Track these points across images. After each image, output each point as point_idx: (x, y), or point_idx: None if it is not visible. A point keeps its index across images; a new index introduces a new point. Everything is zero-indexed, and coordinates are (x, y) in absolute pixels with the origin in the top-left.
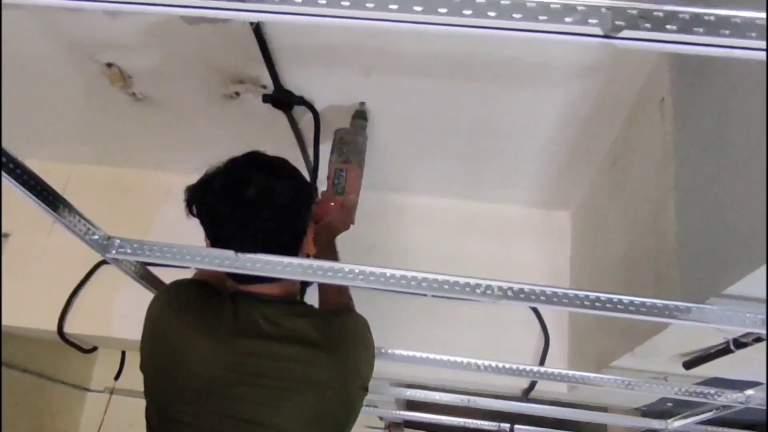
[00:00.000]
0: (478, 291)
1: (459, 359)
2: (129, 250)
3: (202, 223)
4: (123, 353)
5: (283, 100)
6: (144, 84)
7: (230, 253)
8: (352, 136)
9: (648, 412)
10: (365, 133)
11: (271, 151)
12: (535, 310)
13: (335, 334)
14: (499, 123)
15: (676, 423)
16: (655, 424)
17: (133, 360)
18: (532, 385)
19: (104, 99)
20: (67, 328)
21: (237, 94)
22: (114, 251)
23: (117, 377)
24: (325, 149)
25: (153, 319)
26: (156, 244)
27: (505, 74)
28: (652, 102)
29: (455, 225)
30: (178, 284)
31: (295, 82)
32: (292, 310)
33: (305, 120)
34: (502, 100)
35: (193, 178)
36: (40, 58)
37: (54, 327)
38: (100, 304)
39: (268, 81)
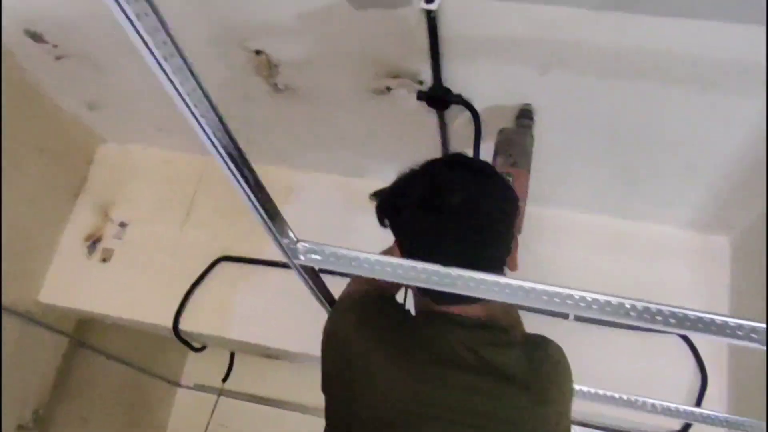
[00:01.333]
0: (621, 312)
1: (604, 392)
2: (320, 257)
3: (397, 233)
4: (232, 354)
5: (440, 98)
6: (289, 74)
7: (438, 267)
8: (521, 137)
9: None
10: (533, 133)
11: (413, 155)
12: (690, 344)
13: (541, 370)
14: (677, 133)
15: None
16: None
17: (242, 360)
18: (686, 427)
19: (242, 88)
20: (182, 326)
21: (388, 89)
22: (302, 257)
23: (225, 379)
24: (486, 151)
25: (341, 339)
26: (352, 253)
27: (702, 76)
28: None
29: (600, 243)
30: (370, 301)
31: (455, 78)
32: (493, 337)
33: (457, 122)
34: (689, 105)
35: (317, 177)
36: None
37: (169, 323)
38: (217, 302)
39: (426, 76)
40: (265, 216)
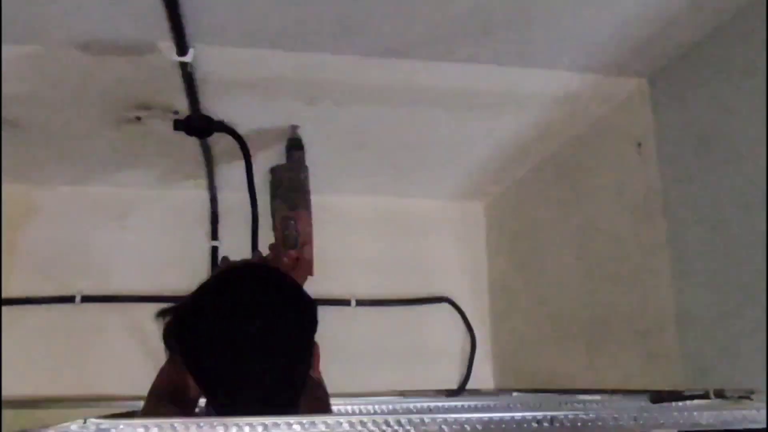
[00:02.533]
0: None
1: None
2: None
3: (186, 357)
4: None
5: (199, 127)
6: (15, 111)
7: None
8: (295, 175)
9: None
10: (305, 166)
11: (176, 169)
12: (458, 308)
13: None
14: (441, 136)
15: None
16: None
17: None
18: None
19: None
20: None
21: (138, 118)
22: None
23: None
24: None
25: None
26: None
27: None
28: (619, 130)
29: (376, 220)
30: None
31: (216, 107)
32: None
33: (221, 146)
34: (448, 121)
35: (63, 191)
36: None
37: None
38: None
39: (182, 106)
40: None
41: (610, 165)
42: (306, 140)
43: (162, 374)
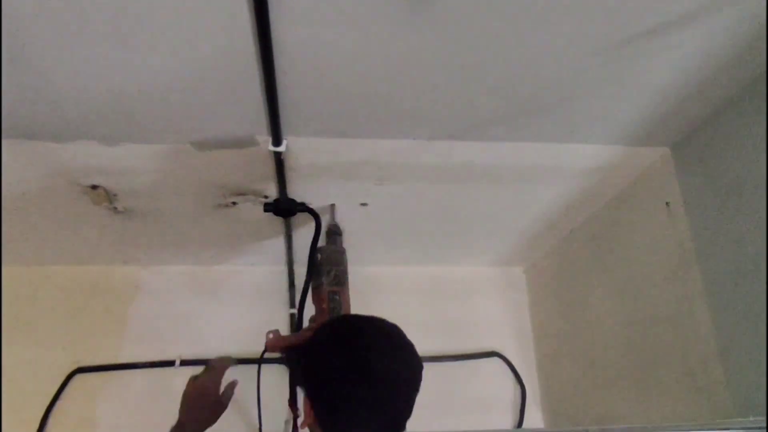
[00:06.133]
0: None
1: None
2: None
3: (314, 395)
4: None
5: (286, 209)
6: (129, 200)
7: None
8: (338, 255)
9: None
10: (343, 247)
11: (259, 248)
12: (506, 361)
13: None
14: (481, 212)
15: None
16: None
17: None
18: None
19: (79, 212)
20: None
21: (234, 203)
22: None
23: None
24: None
25: None
26: None
27: (499, 177)
28: (648, 193)
29: (421, 289)
30: None
31: (298, 191)
32: None
33: (297, 222)
34: (491, 194)
35: (165, 270)
36: (15, 182)
37: None
38: (77, 418)
39: (271, 192)
40: None
41: (642, 224)
42: (367, 216)
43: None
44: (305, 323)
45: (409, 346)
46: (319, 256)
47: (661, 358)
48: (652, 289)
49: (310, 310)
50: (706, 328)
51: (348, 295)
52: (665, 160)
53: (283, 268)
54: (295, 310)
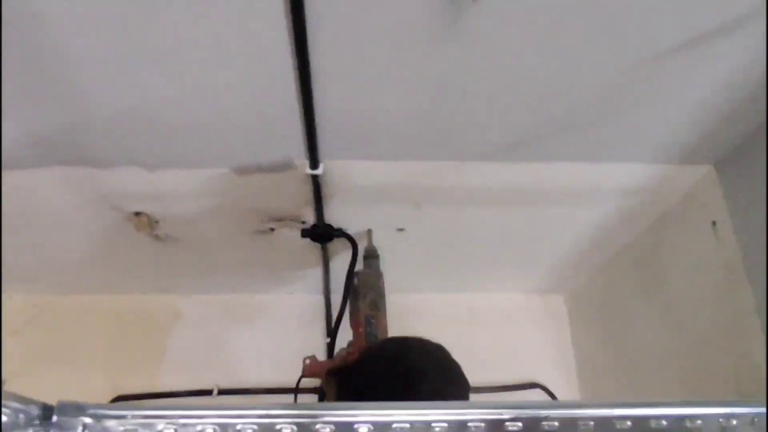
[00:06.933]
0: None
1: None
2: None
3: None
4: None
5: (323, 234)
6: (171, 227)
7: None
8: (375, 280)
9: None
10: (380, 271)
11: (296, 275)
12: (549, 393)
13: None
14: (518, 236)
15: None
16: None
17: None
18: None
19: (120, 240)
20: None
21: (272, 229)
22: None
23: None
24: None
25: None
26: None
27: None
28: (693, 213)
29: (458, 316)
30: None
31: (335, 215)
32: None
33: (334, 248)
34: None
35: (203, 299)
36: (57, 209)
37: None
38: None
39: (308, 217)
40: None
41: (688, 245)
42: (404, 242)
43: None
44: (337, 348)
45: (455, 366)
46: (355, 279)
47: (712, 384)
48: (700, 312)
49: (343, 334)
50: (759, 349)
51: (385, 319)
52: (709, 179)
53: (320, 297)
54: (328, 339)
